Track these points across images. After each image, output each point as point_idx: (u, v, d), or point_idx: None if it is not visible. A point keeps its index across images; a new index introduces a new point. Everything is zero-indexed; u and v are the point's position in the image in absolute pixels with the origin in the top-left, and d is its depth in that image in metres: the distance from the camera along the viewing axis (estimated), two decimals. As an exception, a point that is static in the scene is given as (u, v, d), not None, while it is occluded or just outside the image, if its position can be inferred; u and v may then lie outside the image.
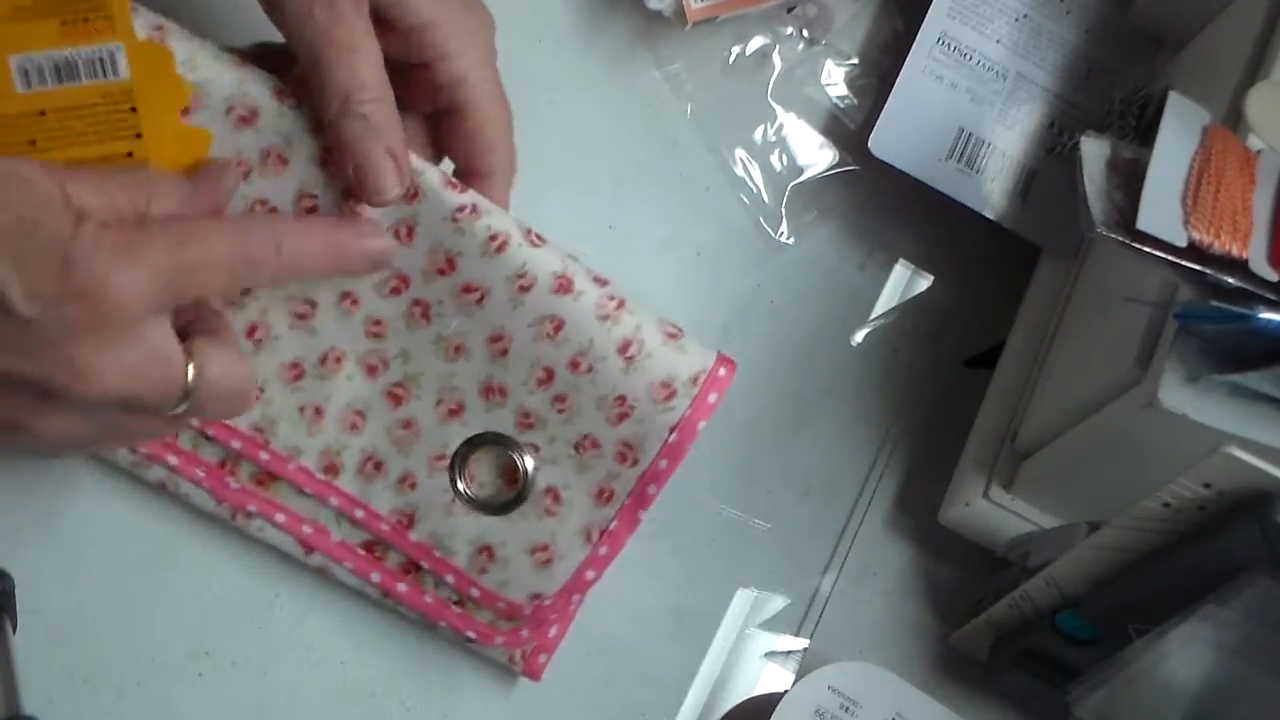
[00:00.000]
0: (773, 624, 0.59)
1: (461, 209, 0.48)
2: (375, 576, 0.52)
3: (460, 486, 0.51)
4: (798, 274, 0.64)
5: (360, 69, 0.46)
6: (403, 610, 0.53)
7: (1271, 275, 0.45)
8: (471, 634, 0.52)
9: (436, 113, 0.51)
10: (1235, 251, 0.45)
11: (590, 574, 0.52)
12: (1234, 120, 0.51)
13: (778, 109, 0.65)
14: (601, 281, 0.50)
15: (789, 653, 0.59)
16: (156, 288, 0.42)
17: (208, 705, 0.53)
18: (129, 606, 0.53)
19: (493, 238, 0.48)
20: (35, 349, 0.41)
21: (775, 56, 0.65)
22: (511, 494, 0.51)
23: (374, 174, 0.47)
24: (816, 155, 0.65)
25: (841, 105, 0.66)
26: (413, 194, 0.48)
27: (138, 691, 0.52)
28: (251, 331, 0.50)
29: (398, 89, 0.48)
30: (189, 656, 0.53)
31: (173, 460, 0.51)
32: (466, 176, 0.51)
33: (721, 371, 0.50)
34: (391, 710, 0.54)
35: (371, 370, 0.51)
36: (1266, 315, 0.45)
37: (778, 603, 0.59)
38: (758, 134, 0.64)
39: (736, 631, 0.58)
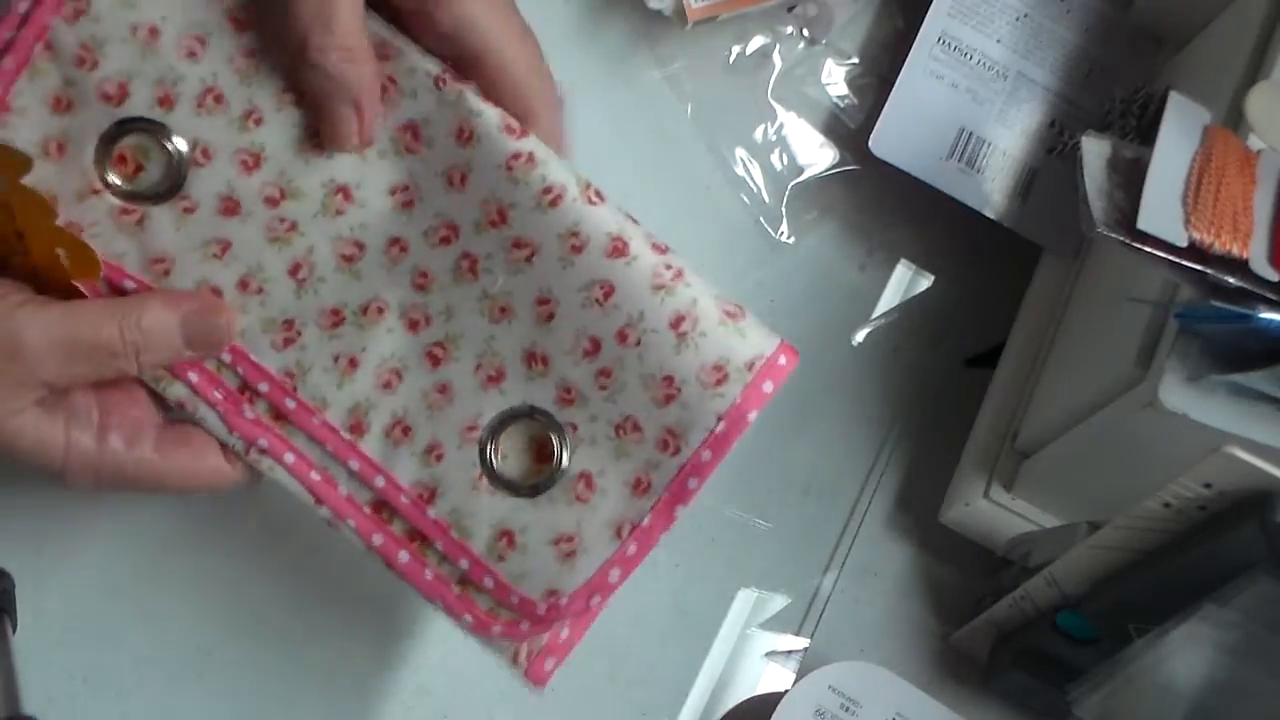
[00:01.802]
0: (773, 624, 0.59)
1: (517, 156, 0.46)
2: (377, 540, 0.47)
3: (491, 460, 0.47)
4: (798, 274, 0.64)
5: (326, 10, 0.43)
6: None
7: (1272, 275, 0.45)
8: (468, 617, 0.47)
9: (457, 62, 0.47)
10: (1236, 251, 0.45)
11: (614, 574, 0.46)
12: (1234, 120, 0.51)
13: (778, 108, 0.65)
14: (660, 249, 0.47)
15: (789, 652, 0.59)
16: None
17: (208, 705, 0.52)
18: (129, 606, 0.53)
19: (547, 190, 0.46)
20: None
21: (775, 56, 0.65)
22: (542, 475, 0.47)
23: (330, 124, 0.46)
24: (817, 155, 0.65)
25: (842, 105, 0.66)
26: (467, 137, 0.46)
27: (138, 691, 0.52)
28: (295, 270, 0.48)
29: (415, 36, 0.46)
30: (189, 656, 0.53)
31: (194, 377, 0.48)
32: None
33: (782, 360, 0.46)
34: (391, 710, 0.54)
35: (413, 325, 0.48)
36: (1267, 315, 0.45)
37: (778, 602, 0.59)
38: (758, 134, 0.64)
39: (737, 631, 0.58)
